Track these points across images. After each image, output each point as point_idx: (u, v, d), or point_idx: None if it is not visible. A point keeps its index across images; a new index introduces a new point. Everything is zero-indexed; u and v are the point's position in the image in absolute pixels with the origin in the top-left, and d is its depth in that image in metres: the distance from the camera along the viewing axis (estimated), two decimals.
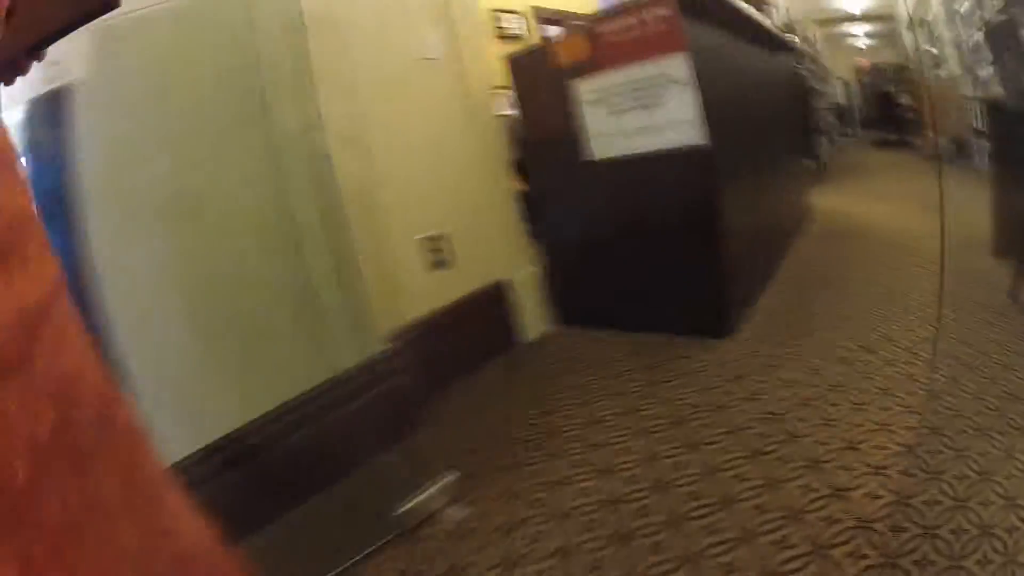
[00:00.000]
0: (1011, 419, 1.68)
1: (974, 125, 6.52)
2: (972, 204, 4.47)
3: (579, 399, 2.12)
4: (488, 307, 2.53)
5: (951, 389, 1.90)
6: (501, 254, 2.61)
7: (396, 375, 2.10)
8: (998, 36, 2.19)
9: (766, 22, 2.99)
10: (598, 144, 2.42)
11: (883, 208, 4.80)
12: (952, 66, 7.02)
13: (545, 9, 6.65)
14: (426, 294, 2.35)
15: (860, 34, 15.49)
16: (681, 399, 1.97)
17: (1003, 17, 2.18)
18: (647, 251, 2.43)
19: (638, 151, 2.34)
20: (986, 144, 5.77)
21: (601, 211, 2.51)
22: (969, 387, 1.90)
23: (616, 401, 2.05)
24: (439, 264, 2.36)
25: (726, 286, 2.32)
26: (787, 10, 8.09)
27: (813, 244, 3.76)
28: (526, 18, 6.23)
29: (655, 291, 2.45)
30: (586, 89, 2.41)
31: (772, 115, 3.34)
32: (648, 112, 2.26)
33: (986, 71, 5.47)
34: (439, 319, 2.36)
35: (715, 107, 2.32)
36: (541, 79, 2.54)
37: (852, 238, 3.86)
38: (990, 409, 1.76)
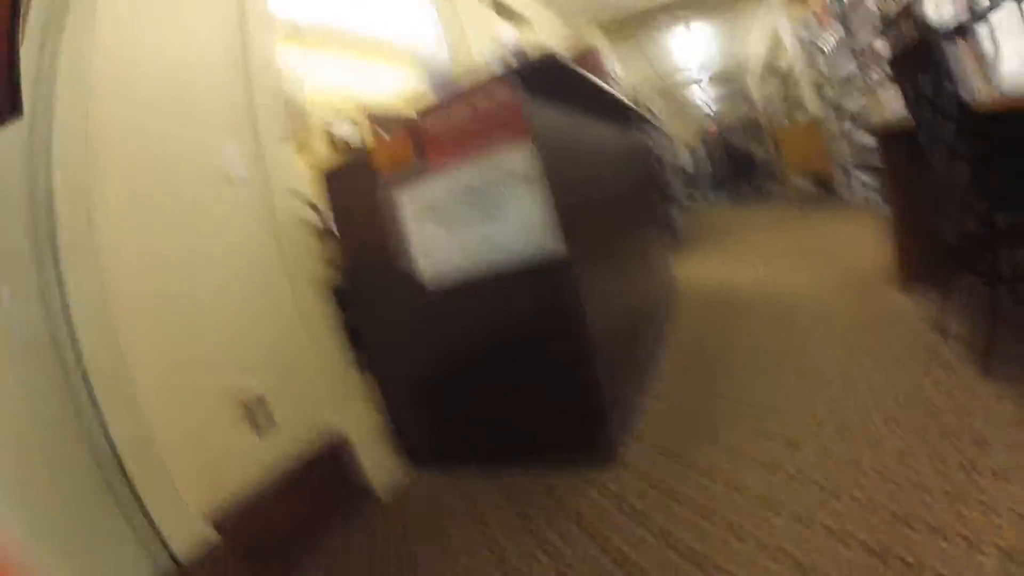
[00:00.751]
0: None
1: (842, 160, 6.68)
2: (856, 240, 4.28)
3: None
4: (325, 466, 1.96)
5: (907, 465, 1.46)
6: (331, 400, 2.08)
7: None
8: (908, 59, 1.89)
9: (617, 93, 2.66)
10: (429, 264, 1.90)
11: (752, 266, 4.31)
12: (813, 107, 7.23)
13: (381, 113, 5.79)
14: (248, 465, 1.79)
15: (707, 98, 16.33)
16: (569, 563, 1.44)
17: (905, 39, 1.85)
18: (503, 376, 1.91)
19: (479, 269, 1.83)
20: (860, 177, 5.84)
21: (442, 338, 2.00)
22: (924, 461, 1.47)
23: None
24: (258, 427, 1.81)
25: (603, 403, 1.82)
26: (629, 81, 8.16)
27: (689, 325, 3.15)
28: (360, 124, 5.64)
29: (519, 420, 1.95)
30: (410, 200, 1.89)
31: (629, 194, 2.99)
32: (488, 221, 1.77)
33: (856, 103, 5.56)
34: (269, 492, 1.77)
35: (568, 201, 1.84)
36: (360, 193, 2.02)
37: (729, 309, 3.26)
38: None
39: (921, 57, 1.84)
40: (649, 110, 8.77)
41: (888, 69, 2.26)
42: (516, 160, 1.70)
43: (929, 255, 2.63)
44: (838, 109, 5.84)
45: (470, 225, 1.81)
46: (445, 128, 1.81)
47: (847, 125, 5.59)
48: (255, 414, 1.80)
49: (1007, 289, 1.91)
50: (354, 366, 2.17)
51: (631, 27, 8.25)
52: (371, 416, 2.17)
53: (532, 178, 1.69)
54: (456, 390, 2.03)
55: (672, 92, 14.54)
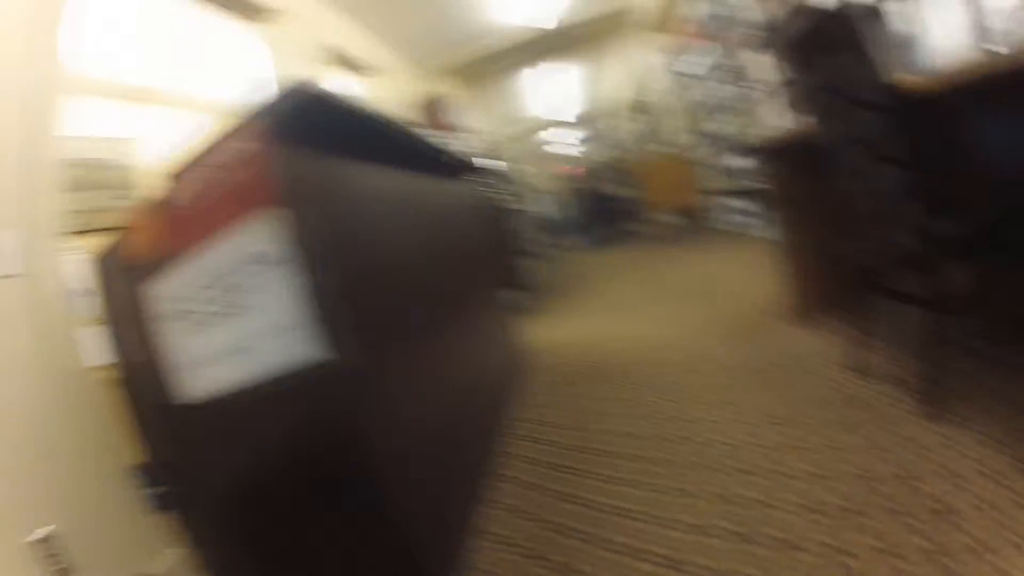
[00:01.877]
0: None
1: (714, 189, 6.61)
2: (737, 274, 3.87)
3: None
4: None
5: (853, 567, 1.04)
6: (135, 539, 1.63)
7: None
8: (807, 44, 1.55)
9: (432, 138, 2.18)
10: (187, 378, 1.34)
11: (622, 319, 3.61)
12: (680, 139, 7.16)
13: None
14: None
15: (573, 140, 16.44)
16: None
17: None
18: (303, 512, 1.33)
19: (232, 383, 1.27)
20: (734, 205, 5.75)
21: (227, 466, 1.39)
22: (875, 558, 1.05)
23: None
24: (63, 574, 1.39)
25: (421, 543, 1.28)
26: (486, 128, 7.89)
27: (543, 405, 2.39)
28: None
29: (331, 563, 1.34)
30: (160, 294, 1.35)
31: (460, 258, 2.40)
32: (235, 320, 1.24)
33: (732, 126, 5.44)
34: None
35: (355, 283, 1.33)
36: (120, 284, 1.46)
37: (592, 378, 2.56)
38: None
39: (826, 40, 1.51)
40: (502, 158, 8.54)
41: (775, 75, 1.96)
42: (259, 236, 1.19)
43: (833, 282, 2.34)
44: (711, 136, 5.74)
45: (217, 325, 1.27)
46: (190, 196, 1.28)
47: (719, 152, 5.48)
48: (58, 554, 1.40)
49: (955, 313, 1.58)
50: (153, 503, 1.62)
51: (488, 71, 8.01)
52: (180, 558, 1.62)
53: (282, 259, 1.16)
54: (256, 532, 1.42)
55: (534, 137, 14.55)
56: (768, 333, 2.41)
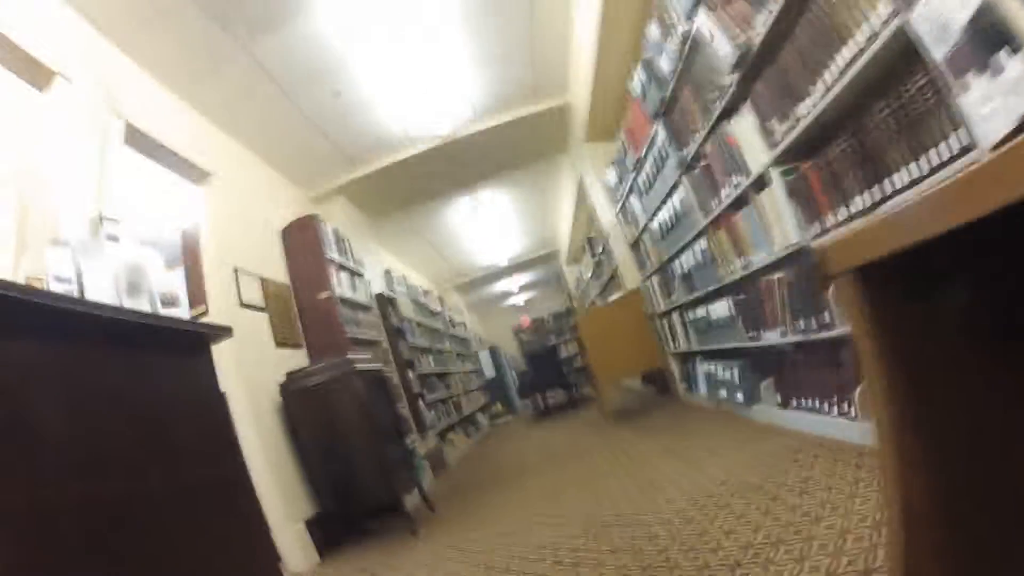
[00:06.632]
0: None
1: (673, 347, 4.56)
2: (719, 487, 2.01)
3: None
4: None
5: None
6: None
7: None
8: None
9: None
10: None
11: None
12: (631, 278, 5.47)
13: None
14: None
15: (516, 289, 14.80)
16: None
17: None
18: None
19: None
20: (707, 368, 4.02)
21: None
22: None
23: None
24: None
25: None
26: (389, 278, 6.32)
27: None
28: None
29: None
30: None
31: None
32: None
33: (688, 258, 3.58)
34: None
35: None
36: None
37: None
38: None
39: None
40: (406, 303, 6.88)
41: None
42: None
43: None
44: (663, 271, 4.21)
45: None
46: None
47: (678, 291, 3.81)
48: None
49: None
50: None
51: (407, 201, 6.42)
52: None
53: None
54: None
55: (478, 285, 12.82)
56: None
